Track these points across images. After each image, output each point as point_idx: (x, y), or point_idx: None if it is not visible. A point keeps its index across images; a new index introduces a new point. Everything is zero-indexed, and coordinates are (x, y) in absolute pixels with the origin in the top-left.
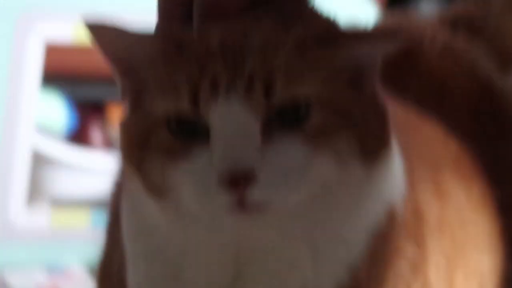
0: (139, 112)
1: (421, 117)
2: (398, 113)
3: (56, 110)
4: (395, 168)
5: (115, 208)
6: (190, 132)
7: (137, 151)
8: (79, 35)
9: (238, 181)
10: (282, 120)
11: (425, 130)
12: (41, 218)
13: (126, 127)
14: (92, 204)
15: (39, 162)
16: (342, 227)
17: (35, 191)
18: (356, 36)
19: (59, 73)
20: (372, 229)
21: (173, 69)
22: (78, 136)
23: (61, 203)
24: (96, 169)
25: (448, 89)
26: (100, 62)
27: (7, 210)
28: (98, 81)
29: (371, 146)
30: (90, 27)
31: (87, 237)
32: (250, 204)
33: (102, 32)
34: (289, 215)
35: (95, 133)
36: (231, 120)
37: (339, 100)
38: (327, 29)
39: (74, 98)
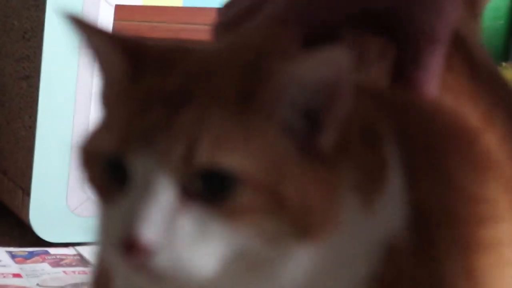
0: (94, 134)
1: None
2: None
3: None
4: (385, 205)
5: None
6: (118, 174)
7: (85, 172)
8: None
9: (130, 250)
10: (204, 188)
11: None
12: None
13: (86, 142)
14: None
15: None
16: None
17: None
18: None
19: None
20: (367, 280)
21: (122, 98)
22: None
23: None
24: None
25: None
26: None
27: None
28: None
29: (313, 227)
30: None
31: None
32: (148, 274)
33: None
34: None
35: None
36: (144, 178)
37: (271, 181)
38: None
39: None
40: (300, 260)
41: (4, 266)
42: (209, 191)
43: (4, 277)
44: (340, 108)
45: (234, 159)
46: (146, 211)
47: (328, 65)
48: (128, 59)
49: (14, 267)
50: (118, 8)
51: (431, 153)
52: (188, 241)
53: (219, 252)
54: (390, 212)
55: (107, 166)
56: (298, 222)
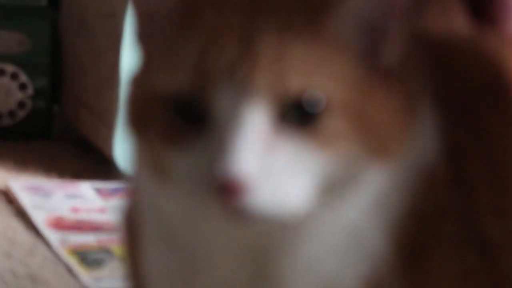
0: (147, 76)
1: None
2: None
3: None
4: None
5: None
6: (192, 114)
7: (140, 119)
8: None
9: (229, 190)
10: (294, 116)
11: None
12: None
13: (133, 87)
14: None
15: None
16: (357, 221)
17: None
18: None
19: None
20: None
21: (185, 32)
22: None
23: None
24: None
25: None
26: None
27: None
28: None
29: (386, 146)
30: None
31: None
32: (245, 214)
33: None
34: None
35: None
36: (231, 112)
37: (356, 102)
38: None
39: None
40: (373, 183)
41: (89, 201)
42: (299, 118)
43: (89, 212)
44: (405, 21)
45: (322, 83)
46: (242, 146)
47: None
48: None
49: (99, 203)
50: None
51: (474, 103)
52: (285, 173)
53: (311, 182)
54: (424, 140)
55: (174, 107)
56: (380, 143)
